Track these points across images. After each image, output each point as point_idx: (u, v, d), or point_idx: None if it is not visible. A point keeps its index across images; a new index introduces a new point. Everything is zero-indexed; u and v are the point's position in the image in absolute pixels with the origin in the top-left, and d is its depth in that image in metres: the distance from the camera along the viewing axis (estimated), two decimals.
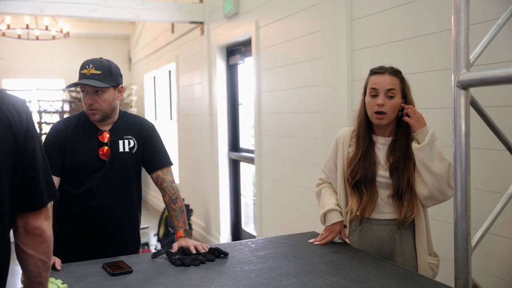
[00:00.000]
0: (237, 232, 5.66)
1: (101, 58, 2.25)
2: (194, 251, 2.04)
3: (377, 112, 2.03)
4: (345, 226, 2.21)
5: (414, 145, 1.97)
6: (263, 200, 4.57)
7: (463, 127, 1.63)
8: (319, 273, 1.80)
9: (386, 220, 2.08)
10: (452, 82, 1.64)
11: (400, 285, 1.67)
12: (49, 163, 1.37)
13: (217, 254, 2.03)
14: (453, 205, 1.67)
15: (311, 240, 2.25)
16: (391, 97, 2.03)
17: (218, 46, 5.58)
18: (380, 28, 2.94)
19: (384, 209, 2.09)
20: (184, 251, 2.05)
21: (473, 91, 1.70)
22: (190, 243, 2.09)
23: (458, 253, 1.66)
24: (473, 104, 1.66)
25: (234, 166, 5.64)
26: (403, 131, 2.06)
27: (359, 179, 2.09)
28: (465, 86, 1.61)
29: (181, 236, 2.17)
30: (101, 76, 2.16)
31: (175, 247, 2.09)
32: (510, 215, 1.83)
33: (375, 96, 2.05)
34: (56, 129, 2.24)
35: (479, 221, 1.91)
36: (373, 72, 2.13)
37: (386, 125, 2.07)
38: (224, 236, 5.70)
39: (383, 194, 2.09)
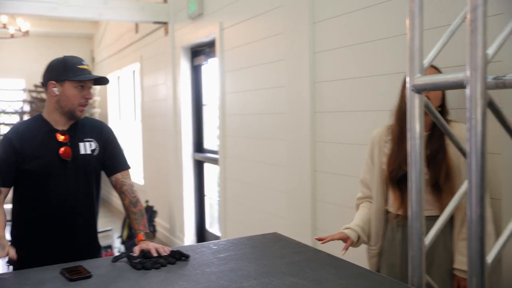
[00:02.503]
0: (201, 233, 5.65)
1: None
2: (155, 254, 2.03)
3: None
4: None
5: None
6: (228, 201, 4.58)
7: (417, 130, 1.68)
8: (279, 274, 1.82)
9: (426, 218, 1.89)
10: (407, 85, 1.68)
11: (358, 285, 1.70)
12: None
13: (178, 256, 2.02)
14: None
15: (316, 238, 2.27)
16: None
17: (182, 46, 5.55)
18: (342, 31, 2.99)
19: (425, 205, 1.90)
20: (145, 254, 2.03)
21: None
22: (151, 246, 2.08)
23: (413, 252, 1.71)
24: (427, 106, 1.71)
25: (199, 167, 5.62)
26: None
27: (402, 174, 2.05)
28: (419, 90, 1.66)
29: (142, 240, 2.16)
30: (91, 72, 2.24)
31: (136, 250, 2.08)
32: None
33: None
34: (8, 140, 2.18)
35: None
36: None
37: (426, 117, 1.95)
38: (188, 238, 5.68)
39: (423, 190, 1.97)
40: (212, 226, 5.58)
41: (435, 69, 2.08)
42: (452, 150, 2.04)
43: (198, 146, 5.62)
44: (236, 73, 4.35)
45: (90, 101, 2.26)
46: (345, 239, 2.24)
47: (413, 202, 1.70)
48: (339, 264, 1.95)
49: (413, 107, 1.68)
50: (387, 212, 2.24)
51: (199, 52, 5.42)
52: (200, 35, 5.06)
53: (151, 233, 2.22)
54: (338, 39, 3.02)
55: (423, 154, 1.68)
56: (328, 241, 2.23)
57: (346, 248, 2.23)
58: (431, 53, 1.71)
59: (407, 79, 1.69)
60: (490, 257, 1.54)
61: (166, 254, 2.05)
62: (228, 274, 1.83)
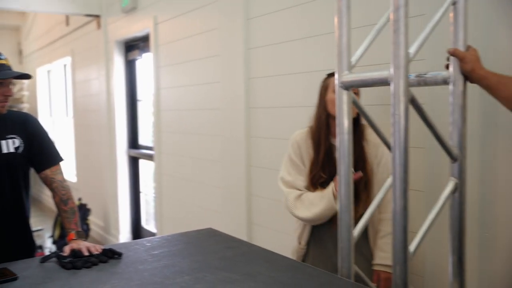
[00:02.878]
0: (137, 230, 5.56)
1: None
2: (86, 253, 1.98)
3: None
4: None
5: None
6: (163, 197, 4.53)
7: (345, 125, 1.73)
8: (212, 269, 1.83)
9: None
10: (336, 82, 1.73)
11: (288, 277, 1.74)
12: None
13: (110, 255, 1.98)
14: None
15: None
16: (355, 93, 2.09)
17: (116, 40, 5.43)
18: (275, 27, 3.03)
19: None
20: (76, 253, 1.98)
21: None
22: (82, 245, 2.03)
23: (342, 243, 1.77)
24: (355, 103, 1.76)
25: (134, 163, 5.53)
26: (357, 129, 2.11)
27: (322, 181, 2.16)
28: (347, 86, 1.71)
29: (73, 239, 2.10)
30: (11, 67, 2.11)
31: (66, 250, 2.02)
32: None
33: None
34: None
35: None
36: (332, 74, 2.18)
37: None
38: (123, 235, 5.57)
39: None
40: (148, 223, 5.51)
41: None
42: (368, 152, 2.16)
43: (133, 142, 5.52)
44: (171, 68, 4.31)
45: (11, 98, 2.13)
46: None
47: (342, 195, 1.75)
48: (272, 257, 1.98)
49: (341, 103, 1.74)
50: None
51: (133, 46, 5.32)
52: (134, 30, 4.97)
53: (83, 232, 2.16)
54: (272, 36, 3.06)
55: (351, 148, 1.74)
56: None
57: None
58: (358, 51, 1.76)
59: (336, 76, 1.73)
60: (412, 247, 1.62)
61: (98, 252, 2.01)
62: (161, 271, 1.82)
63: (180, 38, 4.11)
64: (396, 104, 1.53)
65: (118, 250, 2.03)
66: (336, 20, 1.72)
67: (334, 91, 2.11)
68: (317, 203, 2.16)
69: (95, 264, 1.90)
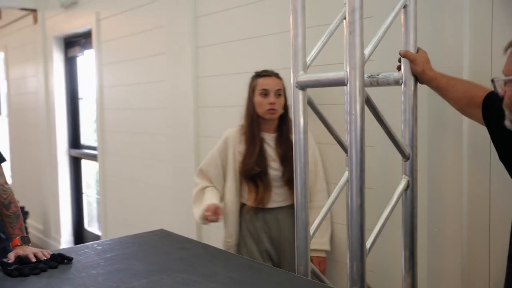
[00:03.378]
0: (79, 233, 5.39)
1: None
2: (33, 259, 1.89)
3: (270, 109, 2.33)
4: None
5: None
6: (108, 198, 4.42)
7: (301, 124, 1.75)
8: (169, 271, 1.80)
9: (279, 208, 2.37)
10: (292, 82, 1.75)
11: (247, 276, 1.74)
12: None
13: (60, 260, 1.91)
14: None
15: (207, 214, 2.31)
16: (279, 96, 2.37)
17: (54, 36, 5.23)
18: (225, 26, 3.01)
19: (278, 197, 2.36)
20: (21, 260, 1.89)
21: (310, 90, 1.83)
22: (28, 251, 1.93)
23: (298, 241, 1.79)
24: (310, 103, 1.78)
25: (75, 164, 5.35)
26: (285, 126, 2.38)
27: (253, 171, 2.32)
28: (302, 86, 1.73)
29: (17, 245, 2.00)
30: None
31: (11, 256, 1.92)
32: (342, 203, 2.00)
33: (266, 95, 2.34)
34: None
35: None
36: (260, 75, 2.42)
37: (274, 120, 2.39)
38: (65, 238, 5.39)
39: (276, 184, 2.35)
40: (91, 225, 5.35)
41: (277, 78, 2.39)
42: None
43: (74, 142, 5.35)
44: (115, 66, 4.20)
45: None
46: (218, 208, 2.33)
47: (299, 194, 1.77)
48: (228, 257, 1.98)
49: (297, 103, 1.75)
50: (242, 206, 2.42)
51: (74, 43, 5.14)
52: (74, 25, 4.81)
53: (28, 237, 2.06)
54: (221, 35, 3.05)
55: (306, 147, 1.76)
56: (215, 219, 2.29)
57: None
58: (313, 52, 1.78)
59: (291, 76, 1.75)
60: (368, 243, 1.66)
61: (46, 258, 1.93)
62: (116, 275, 1.77)
63: (124, 35, 4.02)
64: (353, 103, 1.56)
65: (67, 254, 1.96)
66: (291, 20, 1.73)
67: (260, 94, 2.34)
68: (198, 206, 2.38)
69: (44, 270, 1.82)
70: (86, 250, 2.09)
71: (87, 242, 5.23)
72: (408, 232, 1.77)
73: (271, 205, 2.36)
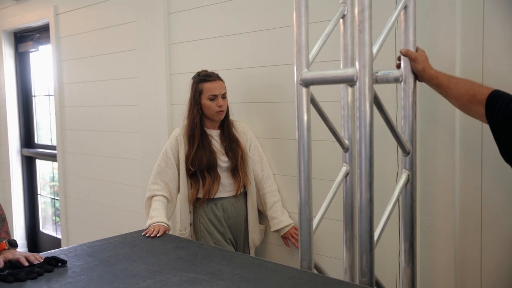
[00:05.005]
0: (34, 236, 5.17)
1: None
2: (26, 263, 1.81)
3: (219, 111, 2.52)
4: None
5: None
6: (69, 199, 4.26)
7: (305, 122, 1.76)
8: (172, 271, 1.77)
9: (229, 198, 2.56)
10: (295, 79, 1.76)
11: (253, 273, 1.74)
12: None
13: (54, 263, 1.84)
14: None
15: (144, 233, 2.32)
16: (224, 98, 2.55)
17: (3, 30, 4.97)
18: (198, 23, 2.98)
19: (227, 188, 2.55)
20: (13, 264, 1.81)
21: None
22: (18, 255, 1.85)
23: (302, 236, 1.80)
24: (312, 100, 1.81)
25: (29, 164, 5.12)
26: (226, 122, 2.59)
27: (201, 166, 2.49)
28: (307, 84, 1.75)
29: (5, 249, 1.91)
30: None
31: (0, 261, 1.83)
32: (338, 200, 2.04)
33: (213, 99, 2.51)
34: None
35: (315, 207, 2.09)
36: (204, 80, 2.54)
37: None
38: (19, 242, 5.14)
39: (225, 175, 2.54)
40: (46, 227, 5.14)
41: (221, 81, 2.56)
42: (240, 139, 2.59)
43: (28, 140, 5.11)
44: (76, 62, 4.05)
45: None
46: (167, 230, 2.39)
47: (302, 190, 1.78)
48: (227, 255, 1.97)
49: (300, 100, 1.77)
50: (195, 200, 2.55)
51: (26, 37, 4.91)
52: (27, 19, 4.59)
53: (15, 241, 1.97)
54: (195, 32, 3.01)
55: (310, 144, 1.78)
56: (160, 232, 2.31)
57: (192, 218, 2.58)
58: (314, 49, 1.80)
59: (295, 73, 1.76)
60: (376, 236, 1.71)
61: (39, 262, 1.85)
62: (118, 276, 1.73)
63: (87, 31, 3.88)
64: (362, 100, 1.60)
65: (59, 257, 1.89)
66: (294, 17, 1.74)
67: (209, 99, 2.50)
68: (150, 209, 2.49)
69: (41, 275, 1.76)
70: (77, 252, 2.02)
71: (43, 245, 5.05)
72: (408, 225, 1.83)
73: (219, 195, 2.53)
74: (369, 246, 1.64)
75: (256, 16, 2.66)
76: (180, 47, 3.13)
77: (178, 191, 2.58)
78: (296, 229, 2.52)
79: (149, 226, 2.34)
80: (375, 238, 1.70)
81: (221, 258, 1.91)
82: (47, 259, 1.85)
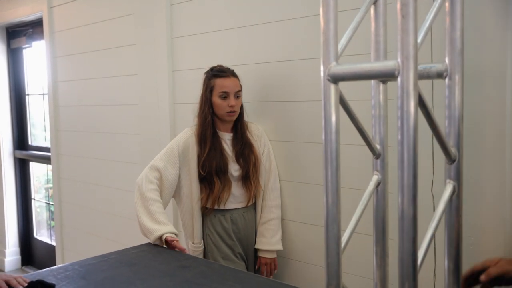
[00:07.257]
0: (27, 243, 4.91)
1: None
2: (19, 286, 1.57)
3: (230, 112, 2.25)
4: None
5: None
6: (64, 204, 4.01)
7: (333, 123, 1.50)
8: None
9: (240, 209, 2.31)
10: (322, 75, 1.51)
11: None
12: None
13: (41, 287, 1.59)
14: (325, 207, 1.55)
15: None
16: (238, 97, 2.29)
17: None
18: (204, 15, 2.73)
19: (238, 199, 2.30)
20: None
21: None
22: (7, 277, 1.60)
23: (330, 258, 1.54)
24: (341, 99, 1.55)
25: (22, 167, 4.87)
26: (240, 124, 2.33)
27: (212, 170, 2.23)
28: (336, 79, 1.49)
29: None
30: None
31: None
32: (369, 212, 1.79)
33: (225, 97, 2.25)
34: None
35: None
36: (217, 75, 2.28)
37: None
38: (11, 249, 4.89)
39: (235, 185, 2.29)
40: (41, 233, 4.89)
41: (235, 78, 2.29)
42: (254, 143, 2.32)
43: (21, 142, 4.86)
44: (71, 59, 3.80)
45: None
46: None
47: (330, 204, 1.52)
48: (238, 276, 1.73)
49: (328, 98, 1.50)
50: (205, 209, 2.29)
51: (19, 32, 4.66)
52: (20, 13, 4.34)
53: None
54: (200, 24, 2.76)
55: (339, 150, 1.52)
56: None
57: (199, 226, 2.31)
58: (343, 40, 1.55)
59: (321, 67, 1.51)
60: (419, 258, 1.46)
61: (22, 287, 1.60)
62: None
63: (83, 25, 3.63)
64: (405, 98, 1.33)
65: (46, 280, 1.64)
66: (321, 3, 1.49)
67: (219, 96, 2.24)
68: (147, 221, 2.12)
69: None
70: (68, 273, 1.77)
71: (37, 253, 4.78)
72: (453, 243, 1.57)
73: (229, 206, 2.29)
74: (412, 271, 1.38)
75: (270, 5, 2.41)
76: (183, 41, 2.87)
77: (172, 196, 2.30)
78: (276, 263, 2.34)
79: (164, 234, 2.07)
80: (420, 260, 1.45)
81: (234, 281, 1.66)
82: (32, 284, 1.60)
